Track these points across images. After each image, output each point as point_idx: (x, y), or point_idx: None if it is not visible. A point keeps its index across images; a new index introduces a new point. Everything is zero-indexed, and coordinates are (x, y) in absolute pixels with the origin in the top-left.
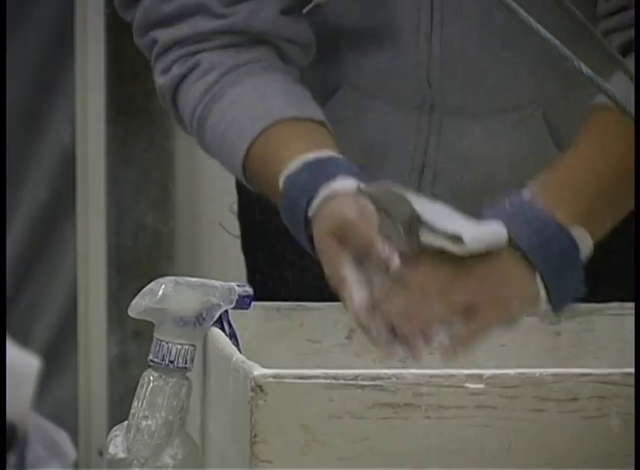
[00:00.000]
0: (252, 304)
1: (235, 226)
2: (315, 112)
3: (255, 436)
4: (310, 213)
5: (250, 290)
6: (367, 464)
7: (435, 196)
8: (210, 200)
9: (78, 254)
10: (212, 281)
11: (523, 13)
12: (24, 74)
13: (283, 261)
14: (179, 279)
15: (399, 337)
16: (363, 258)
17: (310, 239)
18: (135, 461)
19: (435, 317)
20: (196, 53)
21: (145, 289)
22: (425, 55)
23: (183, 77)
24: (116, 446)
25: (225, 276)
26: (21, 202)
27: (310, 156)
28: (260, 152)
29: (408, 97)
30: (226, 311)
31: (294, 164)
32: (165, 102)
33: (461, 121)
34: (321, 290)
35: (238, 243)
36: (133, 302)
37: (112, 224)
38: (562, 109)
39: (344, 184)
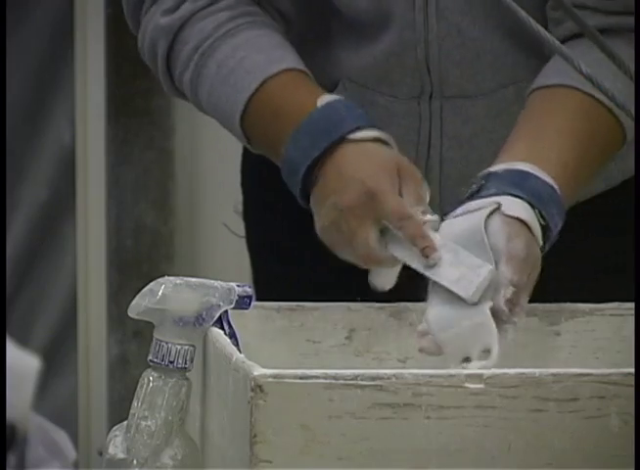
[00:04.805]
0: (252, 303)
1: (238, 227)
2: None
3: (255, 436)
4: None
5: (249, 290)
6: (367, 464)
7: (443, 181)
8: (210, 200)
9: (78, 254)
10: (212, 281)
11: (523, 13)
12: (24, 74)
13: (289, 261)
14: (179, 279)
15: None
16: None
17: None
18: (135, 461)
19: None
20: None
21: (145, 289)
22: (422, 32)
23: (194, 13)
24: (116, 446)
25: (225, 276)
26: (21, 202)
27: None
28: (276, 89)
29: (407, 87)
30: (226, 311)
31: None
32: (158, 45)
33: (461, 105)
34: (326, 289)
35: (238, 243)
36: (133, 302)
37: (112, 224)
38: None
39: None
